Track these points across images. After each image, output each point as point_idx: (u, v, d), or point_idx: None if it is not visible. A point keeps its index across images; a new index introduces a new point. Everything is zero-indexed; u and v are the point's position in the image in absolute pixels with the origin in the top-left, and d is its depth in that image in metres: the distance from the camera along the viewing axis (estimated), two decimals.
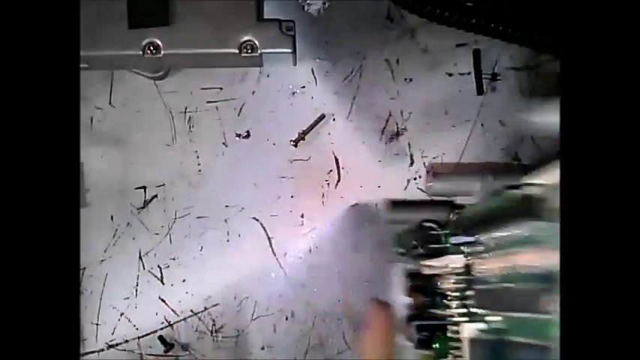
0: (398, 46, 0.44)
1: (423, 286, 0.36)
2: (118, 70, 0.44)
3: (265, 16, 0.42)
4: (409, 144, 0.44)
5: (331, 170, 0.44)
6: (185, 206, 0.43)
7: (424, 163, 0.44)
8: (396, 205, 0.39)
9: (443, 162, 0.43)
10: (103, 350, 0.41)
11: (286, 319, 0.42)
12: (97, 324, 0.42)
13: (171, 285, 0.42)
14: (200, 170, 0.43)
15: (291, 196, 0.43)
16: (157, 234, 0.42)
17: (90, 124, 0.44)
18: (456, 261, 0.33)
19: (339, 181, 0.44)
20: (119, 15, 0.39)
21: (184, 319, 0.42)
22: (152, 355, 0.41)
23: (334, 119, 0.44)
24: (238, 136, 0.44)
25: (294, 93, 0.44)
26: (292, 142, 0.43)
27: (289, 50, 0.40)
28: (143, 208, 0.43)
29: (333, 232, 0.43)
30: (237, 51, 0.40)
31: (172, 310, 0.42)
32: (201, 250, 0.42)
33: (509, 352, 0.29)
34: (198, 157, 0.43)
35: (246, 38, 0.40)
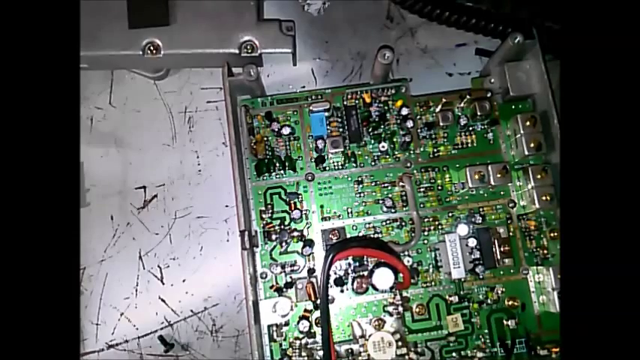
0: (398, 46, 0.44)
1: None
2: (118, 70, 0.44)
3: (265, 16, 0.42)
4: None
5: None
6: (185, 206, 0.43)
7: None
8: None
9: None
10: (103, 350, 0.41)
11: None
12: (97, 324, 0.41)
13: (171, 285, 0.42)
14: (200, 170, 0.43)
15: None
16: (156, 234, 0.42)
17: (90, 124, 0.44)
18: None
19: None
20: (119, 15, 0.39)
21: (184, 319, 0.42)
22: (152, 355, 0.41)
23: None
24: None
25: None
26: None
27: (289, 50, 0.40)
28: (143, 208, 0.43)
29: None
30: (237, 51, 0.40)
31: (172, 310, 0.42)
32: (201, 250, 0.42)
33: None
34: (198, 157, 0.43)
35: (246, 38, 0.40)
